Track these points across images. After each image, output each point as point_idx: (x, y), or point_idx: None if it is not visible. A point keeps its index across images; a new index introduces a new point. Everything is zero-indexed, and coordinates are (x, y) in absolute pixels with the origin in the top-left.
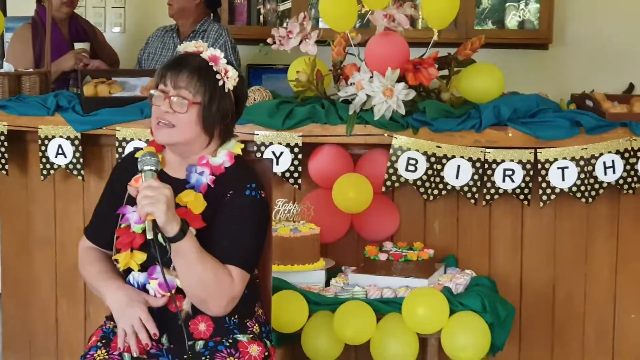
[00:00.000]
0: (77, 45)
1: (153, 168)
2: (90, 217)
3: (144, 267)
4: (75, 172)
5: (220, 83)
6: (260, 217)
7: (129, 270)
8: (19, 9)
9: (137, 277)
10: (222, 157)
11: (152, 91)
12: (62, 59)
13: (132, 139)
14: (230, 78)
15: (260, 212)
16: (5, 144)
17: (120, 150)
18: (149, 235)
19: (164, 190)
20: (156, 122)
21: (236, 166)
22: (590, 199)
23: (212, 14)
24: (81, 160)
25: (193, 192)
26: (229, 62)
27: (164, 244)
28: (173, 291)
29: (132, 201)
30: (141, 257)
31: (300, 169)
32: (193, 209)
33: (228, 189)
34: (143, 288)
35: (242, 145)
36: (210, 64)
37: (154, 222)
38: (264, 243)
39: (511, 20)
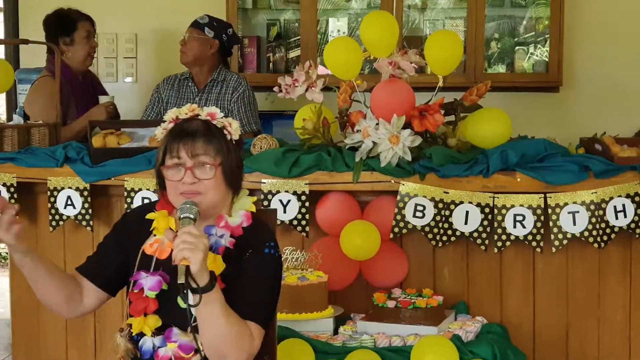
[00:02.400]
0: (103, 98)
1: (192, 216)
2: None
3: (156, 331)
4: (84, 222)
5: (229, 137)
6: (277, 274)
7: (141, 334)
8: (30, 61)
9: (150, 341)
10: (240, 217)
11: (168, 167)
12: (92, 111)
13: (140, 189)
14: (234, 130)
15: (277, 270)
16: (15, 195)
17: (128, 200)
18: (180, 280)
19: (204, 240)
20: (179, 194)
21: (252, 224)
22: (602, 244)
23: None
24: (90, 211)
25: (212, 254)
26: (245, 112)
27: (192, 291)
28: (191, 354)
29: (145, 266)
30: (156, 322)
31: (307, 216)
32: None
33: (247, 247)
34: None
35: (255, 199)
36: (213, 122)
37: (188, 268)
38: (278, 298)
39: (521, 63)
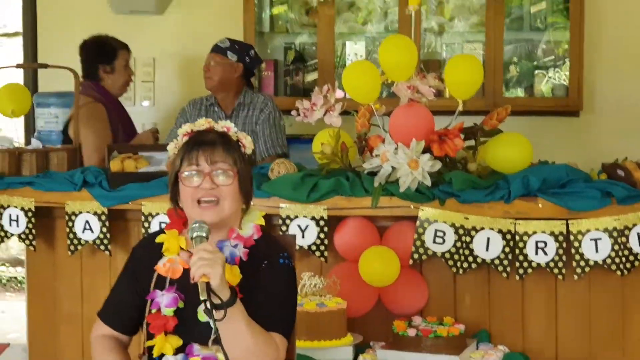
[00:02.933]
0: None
1: (204, 235)
2: (104, 300)
3: (177, 351)
4: (102, 247)
5: (243, 150)
6: (294, 284)
7: (161, 355)
8: (49, 85)
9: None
10: (250, 229)
11: (185, 173)
12: (140, 136)
13: (157, 214)
14: (248, 143)
15: (293, 280)
16: (33, 219)
17: (146, 224)
18: (202, 297)
19: (221, 255)
20: (196, 202)
21: (262, 237)
22: (625, 271)
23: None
24: (108, 235)
25: (228, 266)
26: (270, 134)
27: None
28: None
29: (160, 285)
30: (177, 341)
31: (326, 242)
32: (229, 282)
33: (262, 259)
34: None
35: (263, 213)
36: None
37: (208, 284)
38: (297, 308)
39: (540, 87)
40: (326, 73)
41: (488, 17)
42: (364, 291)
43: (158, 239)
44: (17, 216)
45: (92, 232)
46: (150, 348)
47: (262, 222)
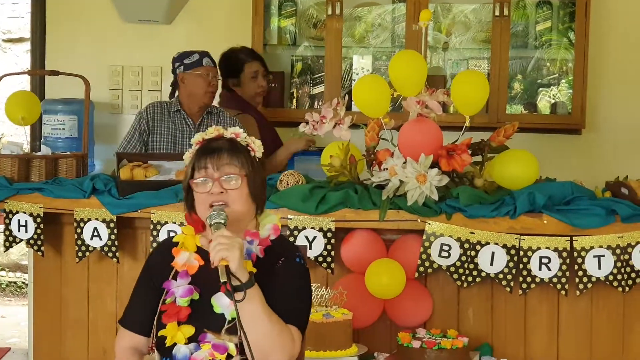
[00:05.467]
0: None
1: (222, 221)
2: (124, 308)
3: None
4: (110, 254)
5: (252, 154)
6: (309, 283)
7: (173, 345)
8: (56, 92)
9: (184, 348)
10: (268, 230)
11: (196, 180)
12: (293, 141)
13: (166, 222)
14: (257, 147)
15: (308, 279)
16: (42, 225)
17: (154, 233)
18: (223, 279)
19: (238, 239)
20: (209, 206)
21: (278, 238)
22: (627, 288)
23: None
24: (116, 242)
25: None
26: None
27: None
28: (224, 355)
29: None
30: (189, 330)
31: (333, 253)
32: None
33: (278, 257)
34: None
35: (280, 216)
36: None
37: (227, 267)
38: (312, 305)
39: (543, 104)
40: (333, 86)
41: (494, 34)
42: (369, 303)
43: (175, 239)
44: (26, 222)
45: (101, 239)
46: (161, 338)
47: (279, 223)
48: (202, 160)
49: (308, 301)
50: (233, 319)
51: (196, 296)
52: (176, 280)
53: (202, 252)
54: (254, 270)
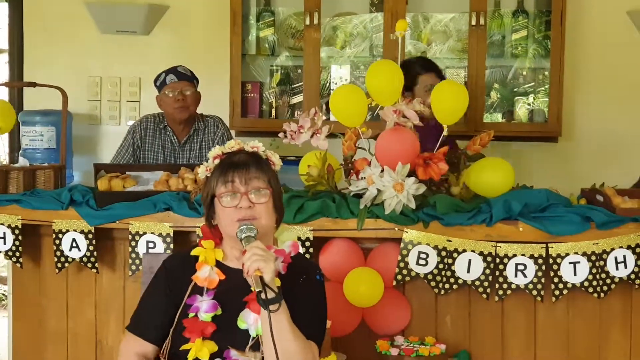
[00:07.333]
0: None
1: (252, 235)
2: (133, 315)
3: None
4: (89, 265)
5: (273, 167)
6: (326, 299)
7: None
8: (34, 103)
9: None
10: (288, 247)
11: (223, 194)
12: None
13: (145, 233)
14: (277, 161)
15: (325, 295)
16: (20, 237)
17: (133, 243)
18: (258, 288)
19: (272, 253)
20: (236, 221)
21: (297, 254)
22: (602, 294)
23: None
24: (95, 253)
25: None
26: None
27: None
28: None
29: (198, 292)
30: (213, 347)
31: None
32: None
33: (300, 273)
34: None
35: (298, 234)
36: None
37: (261, 278)
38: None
39: (520, 113)
40: (312, 96)
41: (471, 43)
42: (347, 311)
43: (193, 252)
44: (4, 233)
45: (79, 250)
46: (176, 350)
47: (297, 239)
48: (229, 174)
49: (325, 317)
50: (257, 335)
51: (219, 311)
52: (200, 295)
53: (221, 267)
54: (278, 282)
